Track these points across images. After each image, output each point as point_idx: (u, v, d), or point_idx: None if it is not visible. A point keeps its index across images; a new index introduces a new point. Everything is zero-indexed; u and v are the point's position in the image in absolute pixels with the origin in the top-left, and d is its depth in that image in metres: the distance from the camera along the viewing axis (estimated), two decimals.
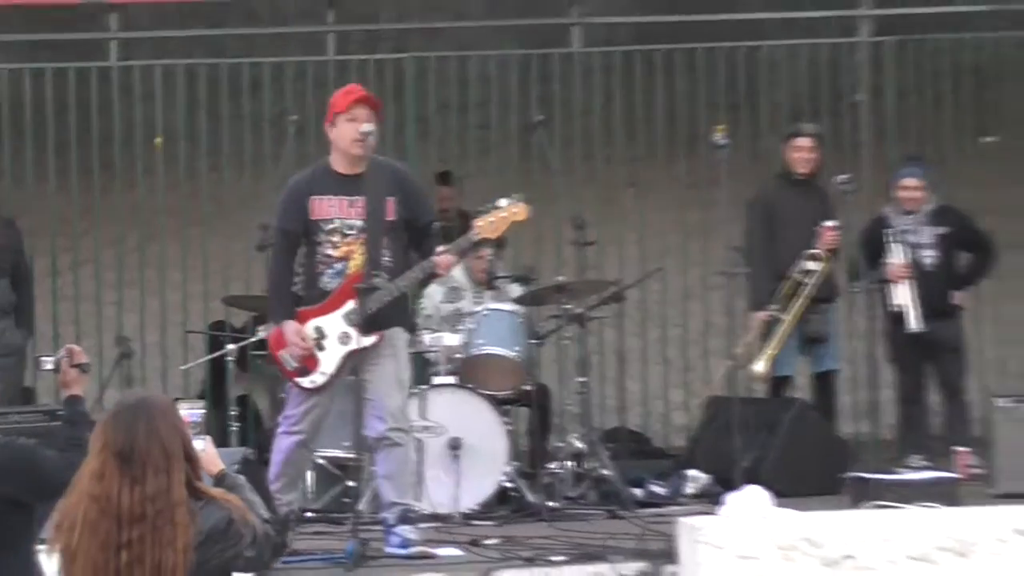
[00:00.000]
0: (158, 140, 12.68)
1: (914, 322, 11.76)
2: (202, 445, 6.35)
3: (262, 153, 12.65)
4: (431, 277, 9.71)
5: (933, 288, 11.89)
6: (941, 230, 11.99)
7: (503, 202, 9.46)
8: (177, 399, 10.34)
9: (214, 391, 12.38)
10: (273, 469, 9.41)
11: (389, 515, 9.46)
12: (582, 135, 13.38)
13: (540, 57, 13.10)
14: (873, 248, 11.94)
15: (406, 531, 9.40)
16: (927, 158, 12.54)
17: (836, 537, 8.49)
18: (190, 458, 6.07)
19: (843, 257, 12.03)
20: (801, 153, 11.95)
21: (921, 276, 11.87)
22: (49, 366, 7.37)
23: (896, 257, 11.87)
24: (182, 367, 12.46)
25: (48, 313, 12.80)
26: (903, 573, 8.47)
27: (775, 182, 12.13)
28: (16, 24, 12.68)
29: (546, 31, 13.21)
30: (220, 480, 6.35)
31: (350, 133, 9.17)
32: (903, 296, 11.81)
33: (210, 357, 12.27)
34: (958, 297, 12.17)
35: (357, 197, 9.19)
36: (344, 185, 9.22)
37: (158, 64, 12.79)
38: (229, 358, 11.66)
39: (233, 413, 11.65)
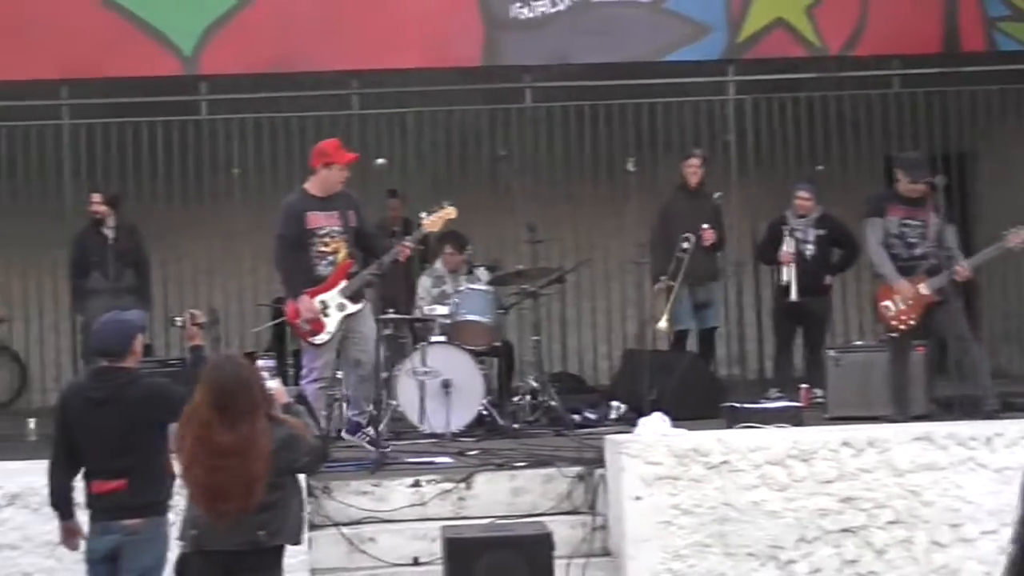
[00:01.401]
0: (235, 171, 12.60)
1: (794, 294, 11.69)
2: (275, 384, 6.35)
3: (306, 178, 12.53)
4: (395, 262, 10.11)
5: (810, 273, 11.78)
6: (821, 232, 11.88)
7: (442, 205, 10.14)
8: (253, 352, 10.39)
9: (276, 346, 12.31)
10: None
11: (361, 419, 9.82)
12: (533, 165, 13.32)
13: (503, 111, 13.05)
14: (773, 238, 11.88)
15: (369, 430, 9.79)
16: (815, 178, 12.43)
17: (716, 448, 8.47)
18: (267, 400, 6.08)
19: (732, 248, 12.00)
20: (691, 169, 11.93)
21: (802, 263, 11.76)
22: (179, 323, 7.37)
23: (787, 247, 11.78)
24: (253, 330, 12.40)
25: (161, 292, 12.73)
26: (762, 473, 8.45)
27: (673, 192, 12.09)
28: (131, 90, 12.59)
29: (507, 92, 13.13)
30: (287, 409, 6.37)
31: (340, 179, 9.79)
32: (788, 275, 11.73)
33: (273, 323, 12.20)
34: (828, 280, 12.10)
35: (333, 211, 9.69)
36: (324, 204, 9.70)
37: (235, 118, 12.70)
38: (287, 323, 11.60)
39: (290, 362, 11.60)
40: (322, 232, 9.64)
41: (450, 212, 10.08)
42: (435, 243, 11.77)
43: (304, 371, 9.84)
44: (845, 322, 13.54)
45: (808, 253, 11.85)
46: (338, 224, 9.67)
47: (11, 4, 12.30)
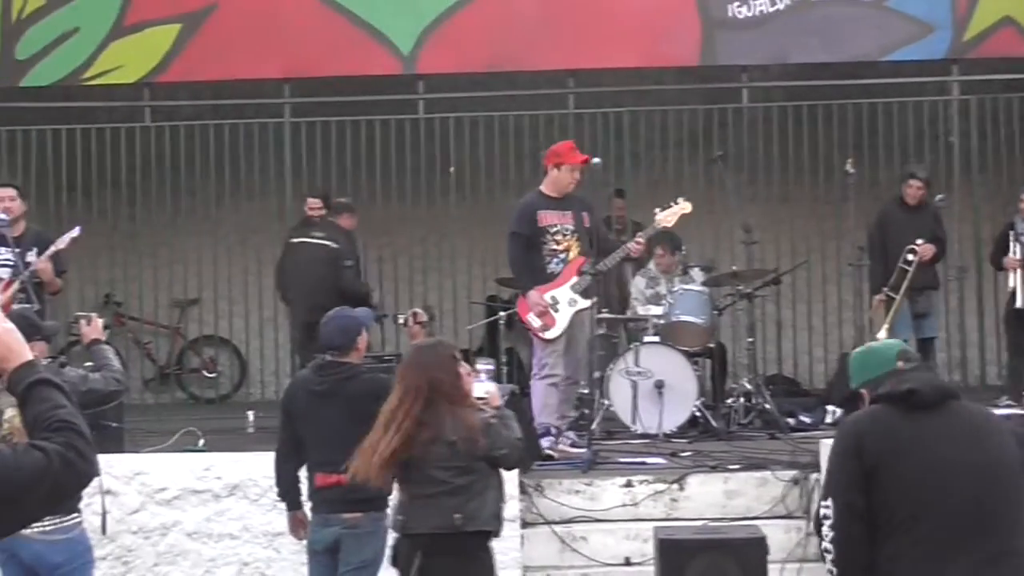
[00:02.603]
0: (451, 169, 12.73)
1: (1019, 301, 11.35)
2: (492, 388, 6.40)
3: (522, 177, 12.66)
4: (627, 259, 10.30)
5: None
6: None
7: (676, 201, 10.19)
8: (477, 351, 10.55)
9: (489, 345, 12.42)
10: (536, 407, 9.59)
11: (563, 424, 9.83)
12: (749, 165, 13.24)
13: (720, 111, 12.99)
14: (1001, 243, 11.54)
15: (571, 435, 9.85)
16: None
17: None
18: (455, 386, 6.15)
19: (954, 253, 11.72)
20: (912, 190, 11.61)
21: None
22: (401, 322, 7.53)
23: (1013, 252, 11.45)
24: (468, 327, 12.52)
25: (376, 289, 12.91)
26: None
27: (892, 204, 11.84)
28: (350, 89, 12.84)
29: (724, 92, 13.07)
30: (497, 410, 6.42)
31: (571, 180, 9.87)
32: (1015, 280, 11.41)
33: (487, 320, 12.31)
34: None
35: (567, 211, 9.81)
36: (558, 204, 9.84)
37: (452, 116, 12.85)
38: (500, 322, 11.69)
39: (503, 360, 11.69)
40: (553, 230, 9.80)
41: (685, 207, 10.16)
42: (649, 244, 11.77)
43: (536, 368, 9.97)
44: None
45: None
46: (571, 223, 9.80)
47: (238, 6, 12.65)
